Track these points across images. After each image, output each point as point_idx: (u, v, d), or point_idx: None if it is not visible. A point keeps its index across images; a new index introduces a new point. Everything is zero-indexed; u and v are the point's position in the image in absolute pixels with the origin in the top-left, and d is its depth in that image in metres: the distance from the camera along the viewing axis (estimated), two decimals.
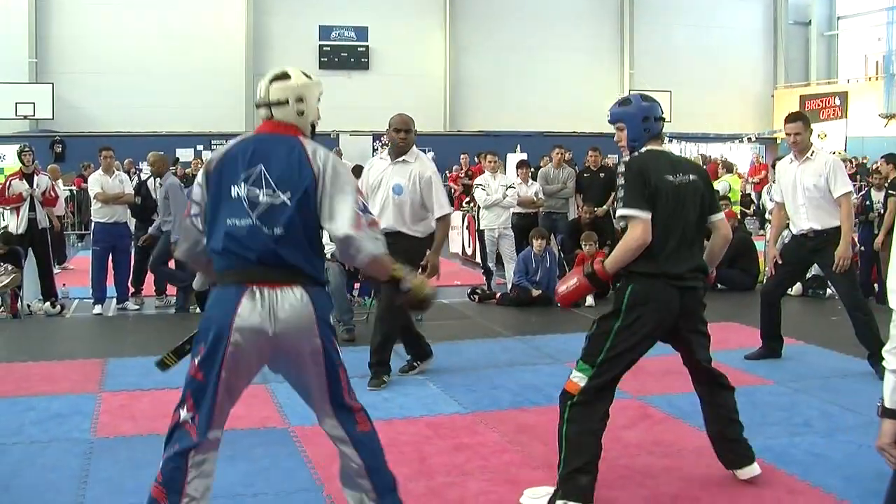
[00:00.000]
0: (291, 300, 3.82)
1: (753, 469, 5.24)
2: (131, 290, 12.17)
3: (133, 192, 12.26)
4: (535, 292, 11.64)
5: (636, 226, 4.77)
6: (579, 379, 4.81)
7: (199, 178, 4.03)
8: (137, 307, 12.04)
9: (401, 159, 7.49)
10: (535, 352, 8.78)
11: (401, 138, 7.40)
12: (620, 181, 4.91)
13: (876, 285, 12.39)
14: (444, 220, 7.53)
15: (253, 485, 5.16)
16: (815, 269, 12.27)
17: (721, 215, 5.23)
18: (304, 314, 3.85)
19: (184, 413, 3.84)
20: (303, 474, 5.35)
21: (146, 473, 5.26)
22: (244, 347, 3.80)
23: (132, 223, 12.62)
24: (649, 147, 5.04)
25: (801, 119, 7.77)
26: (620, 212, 4.89)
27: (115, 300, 11.98)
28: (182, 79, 28.21)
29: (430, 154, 28.01)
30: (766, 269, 8.51)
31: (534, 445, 5.87)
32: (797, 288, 12.16)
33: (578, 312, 11.06)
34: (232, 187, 3.89)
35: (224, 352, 3.78)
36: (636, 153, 5.02)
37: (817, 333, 9.66)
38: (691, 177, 5.03)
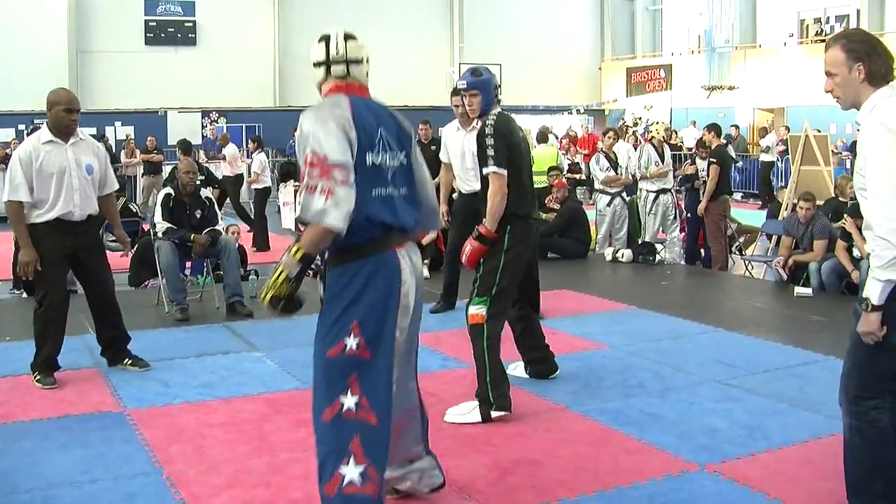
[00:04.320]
0: (415, 256, 3.96)
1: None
2: None
3: None
4: None
5: (496, 180, 5.68)
6: (478, 309, 5.69)
7: (341, 142, 3.64)
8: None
9: (80, 139, 7.02)
10: None
11: (73, 119, 6.89)
12: (489, 141, 5.71)
13: (702, 251, 12.83)
14: (111, 197, 7.31)
15: (90, 471, 4.98)
16: (648, 237, 12.63)
17: None
18: (420, 267, 4.02)
19: (347, 400, 3.73)
20: (141, 458, 5.19)
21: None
22: (411, 312, 3.89)
23: None
24: (497, 110, 5.91)
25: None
26: (487, 169, 5.73)
27: None
28: (1, 57, 26.92)
29: (260, 129, 27.61)
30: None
31: None
32: (628, 254, 12.42)
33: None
34: (367, 155, 3.76)
35: (395, 323, 3.79)
36: (491, 116, 5.85)
37: (648, 297, 9.93)
38: (523, 134, 6.13)
